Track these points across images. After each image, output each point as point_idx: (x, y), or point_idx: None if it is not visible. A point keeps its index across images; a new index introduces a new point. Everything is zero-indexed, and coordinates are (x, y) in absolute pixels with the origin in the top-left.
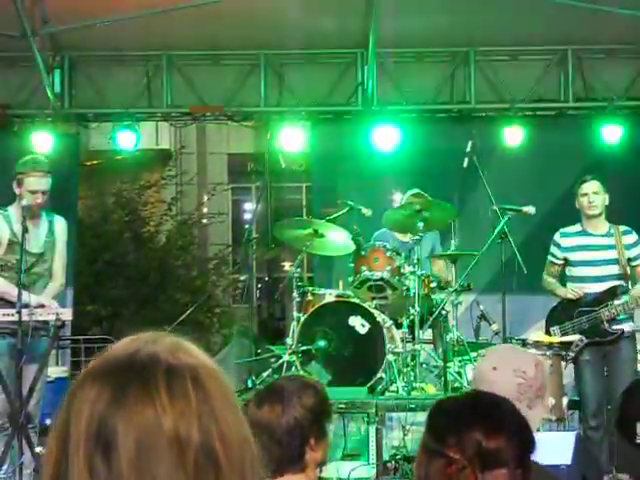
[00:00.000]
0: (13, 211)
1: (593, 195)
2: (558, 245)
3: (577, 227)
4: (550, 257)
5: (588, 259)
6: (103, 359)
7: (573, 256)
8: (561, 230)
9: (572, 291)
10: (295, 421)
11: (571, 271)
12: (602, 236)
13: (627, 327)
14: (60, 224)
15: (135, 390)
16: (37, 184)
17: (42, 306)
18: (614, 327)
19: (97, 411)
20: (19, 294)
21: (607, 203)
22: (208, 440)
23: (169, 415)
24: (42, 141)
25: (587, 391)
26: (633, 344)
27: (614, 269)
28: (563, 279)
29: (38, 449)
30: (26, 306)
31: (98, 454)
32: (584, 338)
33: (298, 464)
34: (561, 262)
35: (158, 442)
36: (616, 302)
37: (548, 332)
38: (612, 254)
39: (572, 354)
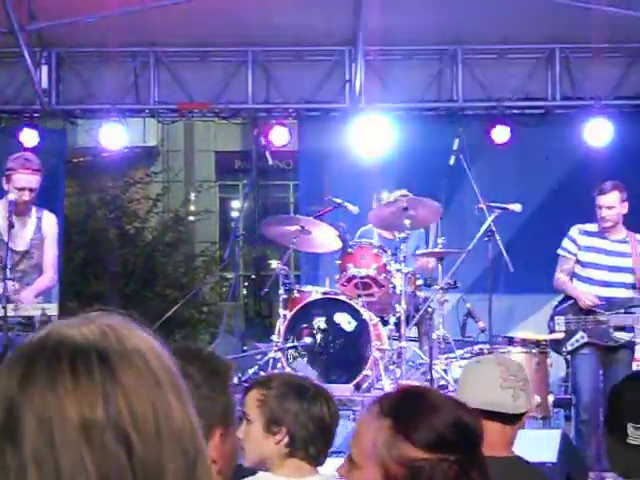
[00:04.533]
0: (0, 207)
1: (606, 210)
2: (575, 241)
3: (595, 227)
4: (563, 252)
5: (601, 263)
6: (24, 343)
7: (586, 257)
8: (579, 227)
9: (589, 299)
10: None
11: (580, 271)
12: (619, 242)
13: (629, 337)
14: (49, 220)
15: (40, 373)
16: (25, 181)
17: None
18: (618, 335)
19: (6, 397)
20: (4, 290)
21: (625, 212)
22: (117, 421)
23: (71, 397)
24: (29, 137)
25: (581, 383)
26: (631, 353)
27: (627, 277)
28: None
29: None
30: (8, 300)
31: (7, 443)
32: (585, 336)
33: None
34: (574, 258)
35: (62, 427)
36: (629, 313)
37: (552, 321)
38: (627, 262)
39: (569, 347)
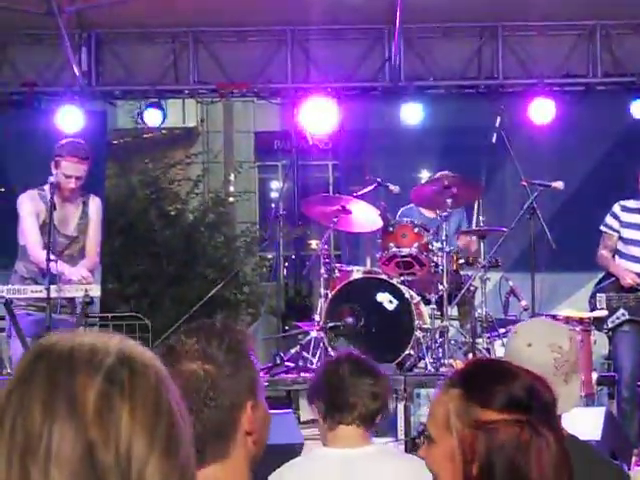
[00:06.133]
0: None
1: None
2: (617, 218)
3: (637, 204)
4: (606, 229)
5: None
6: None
7: (629, 234)
8: (622, 203)
9: (631, 277)
10: None
11: (622, 248)
12: None
13: None
14: (94, 203)
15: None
16: (73, 169)
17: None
18: None
19: None
20: (48, 270)
21: None
22: (116, 440)
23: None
24: (69, 119)
25: (623, 361)
26: None
27: None
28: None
29: None
30: (57, 278)
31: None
32: (626, 313)
33: None
34: (617, 235)
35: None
36: None
37: (594, 298)
38: None
39: (610, 325)
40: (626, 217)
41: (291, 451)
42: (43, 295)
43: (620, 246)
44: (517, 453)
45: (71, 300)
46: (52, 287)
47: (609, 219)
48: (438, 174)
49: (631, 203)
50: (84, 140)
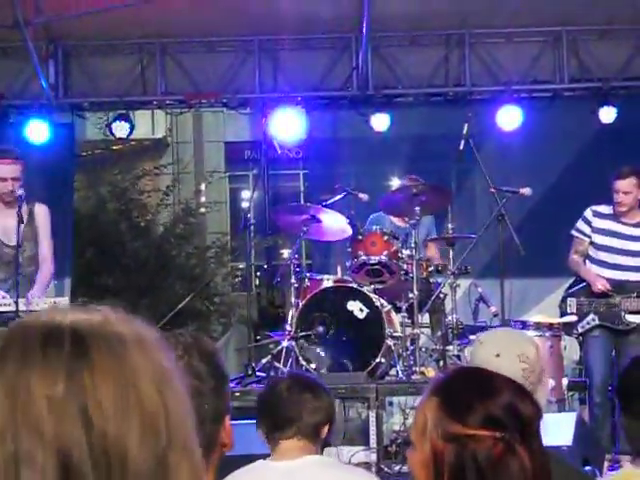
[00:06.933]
0: None
1: (622, 195)
2: (589, 223)
3: (609, 209)
4: (577, 234)
5: (615, 247)
6: (11, 324)
7: (601, 240)
8: (594, 208)
9: (601, 284)
10: None
11: (594, 253)
12: (633, 226)
13: None
14: (41, 210)
15: (14, 350)
16: (6, 171)
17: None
18: (630, 318)
19: None
20: (16, 284)
21: None
22: (79, 397)
23: (37, 371)
24: (38, 131)
25: (594, 365)
26: None
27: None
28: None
29: None
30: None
31: None
32: (597, 318)
33: None
34: (588, 240)
35: (26, 400)
36: None
37: (564, 302)
38: None
39: (580, 329)
40: (598, 223)
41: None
42: (12, 309)
43: (591, 251)
44: (488, 466)
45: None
46: (20, 301)
47: (580, 224)
48: (406, 178)
49: (603, 208)
50: (52, 152)
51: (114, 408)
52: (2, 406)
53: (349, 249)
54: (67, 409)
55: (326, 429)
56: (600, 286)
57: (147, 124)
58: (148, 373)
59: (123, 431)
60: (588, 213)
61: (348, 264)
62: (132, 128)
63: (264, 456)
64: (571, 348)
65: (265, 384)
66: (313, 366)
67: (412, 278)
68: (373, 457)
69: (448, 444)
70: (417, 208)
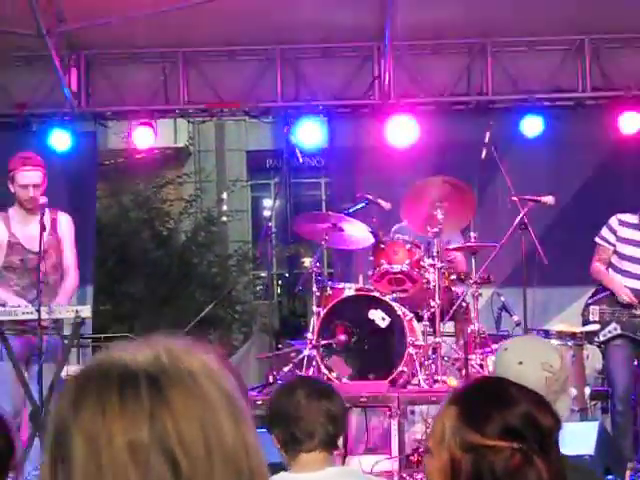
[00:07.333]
0: (13, 212)
1: None
2: (614, 232)
3: (634, 218)
4: (601, 241)
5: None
6: (81, 369)
7: (625, 249)
8: (619, 216)
9: (626, 294)
10: None
11: (617, 262)
12: None
13: None
14: (64, 220)
15: (90, 397)
16: (27, 178)
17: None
18: None
19: (59, 420)
20: (38, 292)
21: None
22: (164, 441)
23: (118, 418)
24: (60, 140)
25: (616, 374)
26: None
27: None
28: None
29: None
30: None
31: (59, 463)
32: (618, 327)
33: None
34: (612, 249)
35: (108, 447)
36: None
37: (586, 310)
38: None
39: (602, 338)
40: (623, 232)
41: (274, 471)
42: (34, 317)
43: (615, 260)
44: (505, 477)
45: (58, 321)
46: (43, 309)
47: (605, 232)
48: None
49: (629, 217)
50: (75, 161)
51: (198, 450)
52: (85, 452)
53: (371, 257)
54: (153, 456)
55: (342, 438)
56: (625, 297)
57: (169, 133)
58: (223, 407)
59: (207, 470)
60: (613, 221)
61: (370, 272)
62: (154, 137)
63: (281, 465)
64: (593, 357)
65: (275, 391)
66: (335, 375)
67: (434, 287)
68: (395, 466)
69: (465, 454)
70: (440, 217)
